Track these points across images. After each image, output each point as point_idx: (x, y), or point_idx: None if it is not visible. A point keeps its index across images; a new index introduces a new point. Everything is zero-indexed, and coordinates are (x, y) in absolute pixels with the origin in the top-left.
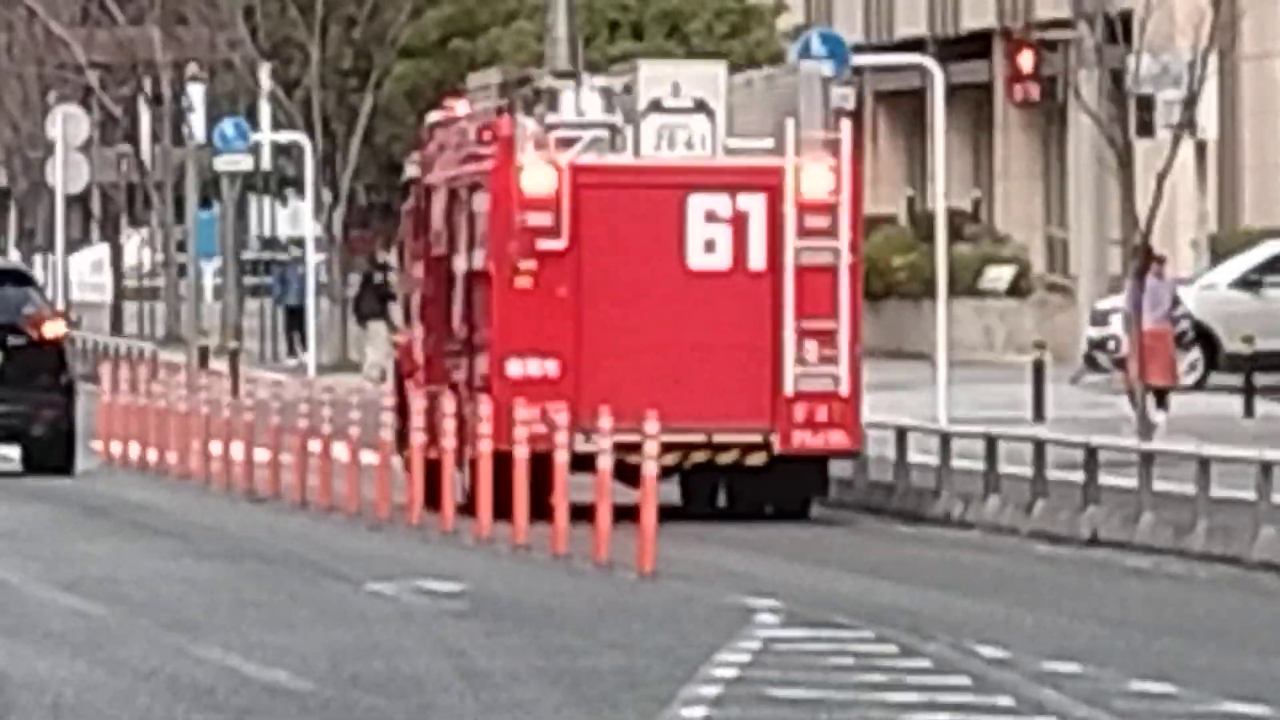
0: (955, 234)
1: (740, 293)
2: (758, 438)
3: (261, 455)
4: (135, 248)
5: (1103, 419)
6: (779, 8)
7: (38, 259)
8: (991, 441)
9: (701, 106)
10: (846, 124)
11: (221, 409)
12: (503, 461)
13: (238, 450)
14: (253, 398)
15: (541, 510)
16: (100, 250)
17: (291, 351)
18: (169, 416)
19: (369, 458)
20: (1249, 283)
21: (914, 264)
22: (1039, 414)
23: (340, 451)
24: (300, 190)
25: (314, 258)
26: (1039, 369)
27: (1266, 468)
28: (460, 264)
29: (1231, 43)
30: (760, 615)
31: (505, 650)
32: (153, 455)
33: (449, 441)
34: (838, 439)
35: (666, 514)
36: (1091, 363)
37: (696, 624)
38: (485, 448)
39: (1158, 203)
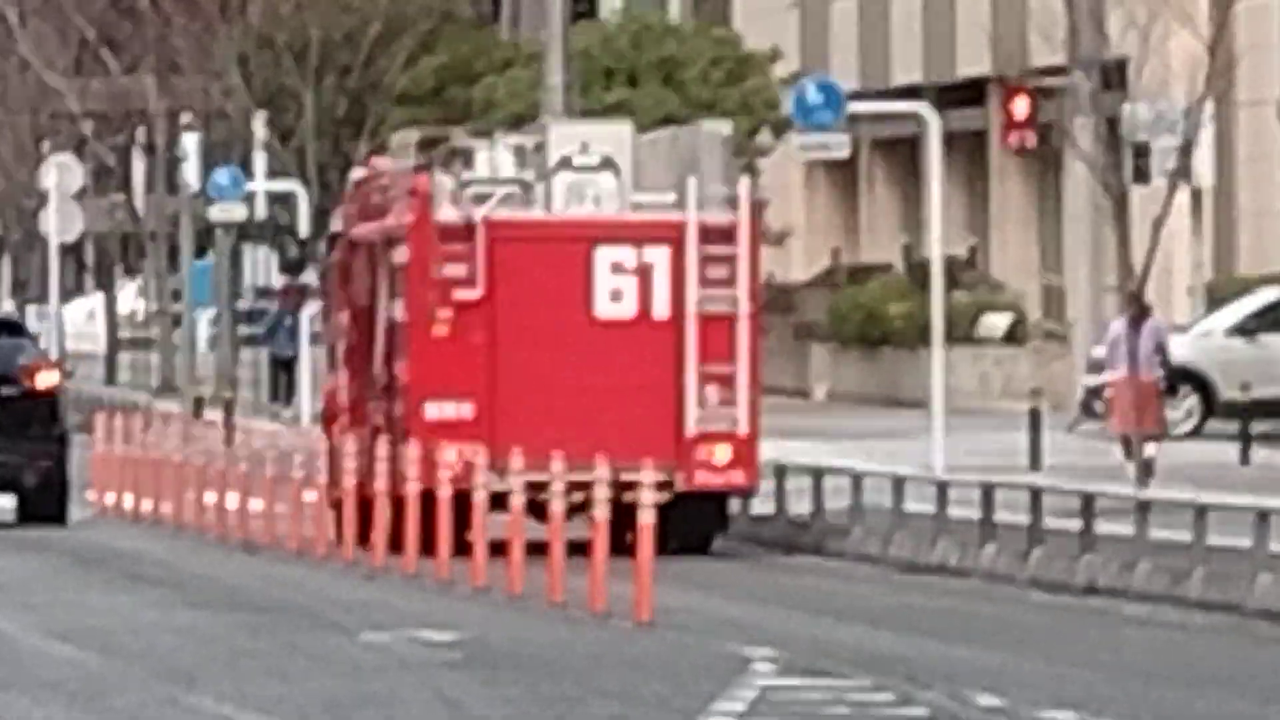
0: (952, 282)
1: (645, 340)
2: (662, 476)
3: (256, 505)
4: (129, 297)
5: (1099, 466)
6: (775, 55)
7: (31, 308)
8: (988, 490)
9: (608, 164)
10: (745, 180)
11: (216, 459)
12: (425, 500)
13: (233, 500)
14: (247, 447)
15: (462, 546)
16: (94, 300)
17: (278, 400)
18: (164, 466)
19: None
20: (1245, 330)
21: (910, 312)
22: (1035, 462)
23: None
24: (296, 239)
25: (309, 307)
26: (1035, 417)
27: (1263, 515)
28: (382, 313)
29: (1227, 90)
30: (757, 664)
31: (502, 700)
32: (147, 505)
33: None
34: (737, 477)
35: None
36: (1088, 410)
37: (693, 673)
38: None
39: (1154, 250)
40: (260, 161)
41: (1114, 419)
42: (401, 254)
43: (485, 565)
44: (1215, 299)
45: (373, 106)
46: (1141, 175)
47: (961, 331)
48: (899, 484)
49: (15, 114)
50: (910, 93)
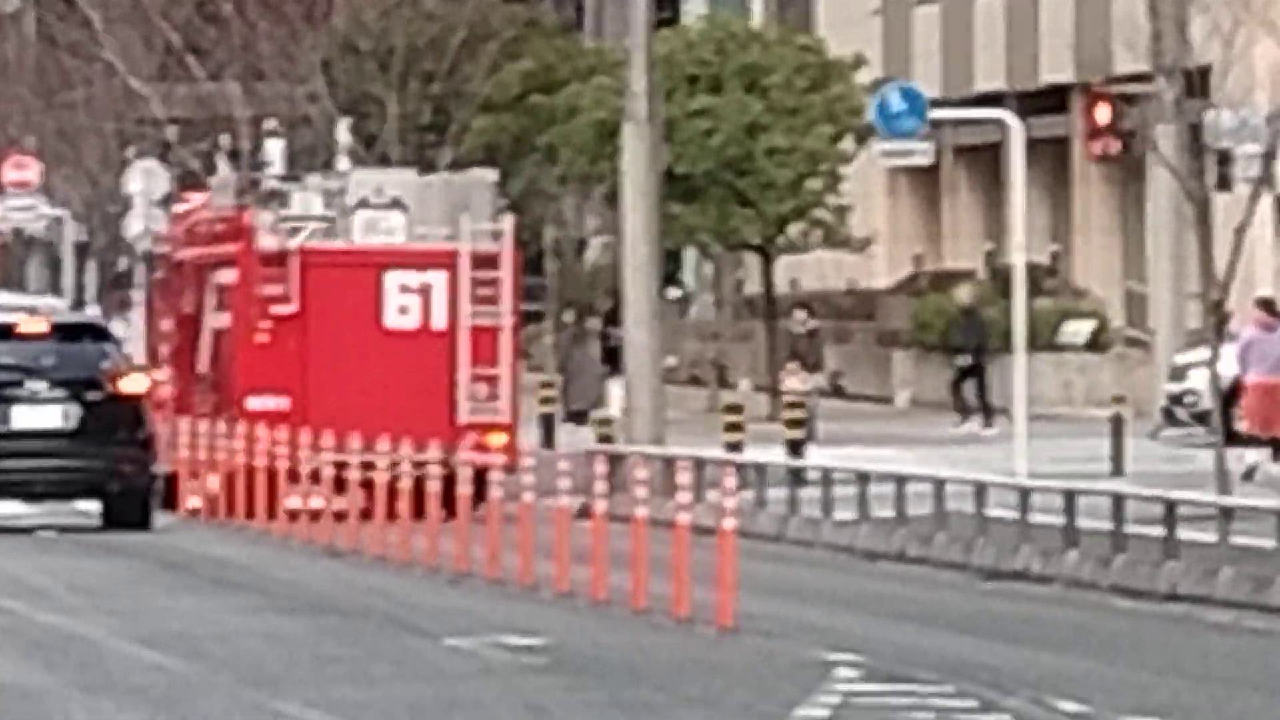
0: (1034, 288)
1: (426, 346)
2: (440, 455)
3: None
4: None
5: (1182, 473)
6: (858, 62)
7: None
8: (1071, 496)
9: (397, 203)
10: (508, 217)
11: (301, 463)
12: (247, 474)
13: (317, 504)
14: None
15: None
16: None
17: None
18: (247, 472)
19: None
20: None
21: (993, 318)
22: (1118, 468)
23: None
24: None
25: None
26: (1118, 423)
27: None
28: (209, 322)
29: None
30: (840, 670)
31: (585, 706)
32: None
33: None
34: (500, 457)
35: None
36: (1170, 417)
37: (776, 679)
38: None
39: (1236, 257)
40: (344, 167)
41: (1252, 422)
42: (229, 275)
43: (569, 571)
44: None
45: (456, 113)
46: (1224, 182)
47: (1044, 339)
48: (981, 490)
49: (100, 120)
50: (993, 99)
